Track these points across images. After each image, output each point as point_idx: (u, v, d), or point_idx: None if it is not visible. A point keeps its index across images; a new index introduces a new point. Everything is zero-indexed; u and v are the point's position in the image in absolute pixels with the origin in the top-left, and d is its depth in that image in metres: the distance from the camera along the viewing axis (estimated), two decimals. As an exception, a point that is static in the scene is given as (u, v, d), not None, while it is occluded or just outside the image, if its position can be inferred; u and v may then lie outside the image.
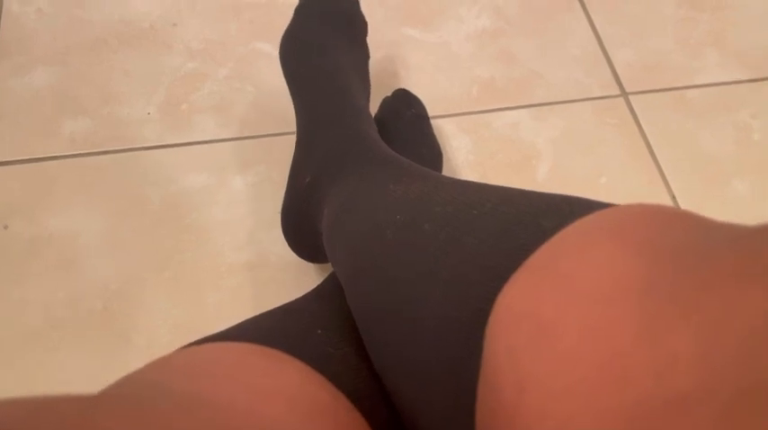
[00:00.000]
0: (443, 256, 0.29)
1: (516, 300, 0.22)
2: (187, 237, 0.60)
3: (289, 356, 0.30)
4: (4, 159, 0.63)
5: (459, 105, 0.70)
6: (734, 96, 0.72)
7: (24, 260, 0.58)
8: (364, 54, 0.60)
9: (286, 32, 0.58)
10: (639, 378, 0.17)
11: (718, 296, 0.17)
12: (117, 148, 0.65)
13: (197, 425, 0.20)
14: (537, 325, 0.21)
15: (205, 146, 0.65)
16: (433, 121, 0.67)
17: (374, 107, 0.64)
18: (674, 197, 0.64)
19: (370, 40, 0.63)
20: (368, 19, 0.64)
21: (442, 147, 0.66)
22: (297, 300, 0.43)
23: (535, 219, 0.27)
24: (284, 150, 0.62)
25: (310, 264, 0.58)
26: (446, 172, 0.65)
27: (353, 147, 0.49)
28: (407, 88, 0.66)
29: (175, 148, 0.65)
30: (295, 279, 0.58)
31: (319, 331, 0.36)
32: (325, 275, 0.58)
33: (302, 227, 0.53)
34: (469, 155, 0.66)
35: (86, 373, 0.53)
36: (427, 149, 0.61)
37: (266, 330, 0.34)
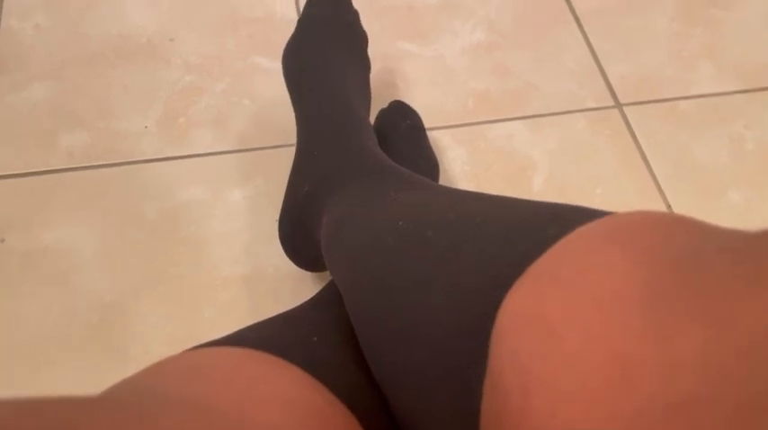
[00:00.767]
0: (446, 263, 0.29)
1: (521, 305, 0.23)
2: (184, 250, 0.60)
3: (285, 362, 0.30)
4: (0, 173, 0.63)
5: (454, 117, 0.70)
6: (727, 107, 0.72)
7: (20, 274, 0.58)
8: (365, 66, 0.61)
9: (289, 43, 0.59)
10: (645, 380, 0.17)
11: (723, 300, 0.17)
12: (114, 162, 0.65)
13: (187, 429, 0.20)
14: (542, 327, 0.21)
15: (202, 159, 0.65)
16: (429, 133, 0.68)
17: (371, 119, 0.64)
18: (669, 207, 0.65)
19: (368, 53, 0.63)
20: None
21: (438, 158, 0.66)
22: (295, 309, 0.43)
23: (537, 226, 0.27)
24: (281, 163, 0.63)
25: (307, 277, 0.58)
26: (442, 183, 0.65)
27: (353, 157, 0.49)
28: (404, 100, 0.66)
29: (172, 162, 0.65)
30: (292, 291, 0.58)
31: (316, 339, 0.36)
32: (322, 281, 0.58)
33: (300, 235, 0.53)
34: (465, 166, 0.67)
35: (83, 387, 0.52)
36: (424, 160, 0.61)
37: (264, 337, 0.34)
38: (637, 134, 0.70)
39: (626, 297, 0.19)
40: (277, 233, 0.57)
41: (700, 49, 0.77)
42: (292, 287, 0.58)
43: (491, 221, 0.30)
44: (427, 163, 0.61)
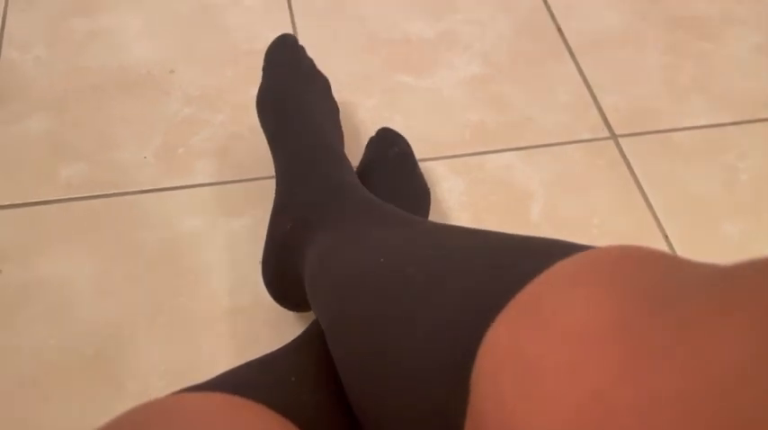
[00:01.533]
0: (426, 300, 0.29)
1: (500, 342, 0.23)
2: (182, 281, 0.59)
3: (260, 406, 0.30)
4: (-2, 204, 0.63)
5: (451, 148, 0.71)
6: (720, 139, 0.73)
7: (16, 305, 0.57)
8: (334, 105, 0.63)
9: (260, 89, 0.61)
10: (622, 418, 0.17)
11: (696, 335, 0.17)
12: (113, 192, 0.65)
13: None
14: (521, 365, 0.21)
15: (201, 189, 0.66)
16: (426, 164, 0.68)
17: (360, 150, 0.65)
18: (666, 237, 0.65)
19: (365, 86, 0.64)
20: (361, 66, 0.66)
21: (435, 188, 0.67)
22: (276, 351, 0.43)
23: (516, 261, 0.27)
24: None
25: (306, 307, 0.58)
26: (439, 213, 0.65)
27: (335, 193, 0.49)
28: (401, 132, 0.67)
29: (171, 192, 0.65)
30: (292, 322, 0.57)
31: (293, 379, 0.36)
32: (309, 324, 0.57)
33: (284, 275, 0.52)
34: (462, 196, 0.67)
35: (78, 421, 0.52)
36: (414, 187, 0.61)
37: (242, 380, 0.35)
38: (632, 165, 0.70)
39: (603, 333, 0.20)
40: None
41: (691, 82, 0.78)
42: (292, 317, 0.58)
43: (471, 257, 0.30)
44: (418, 189, 0.62)
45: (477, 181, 0.68)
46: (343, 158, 0.54)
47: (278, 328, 0.57)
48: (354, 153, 0.65)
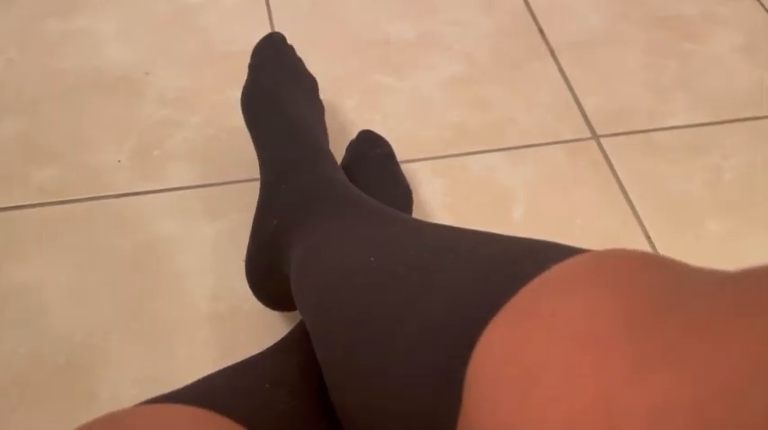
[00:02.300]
0: (418, 300, 0.28)
1: (497, 344, 0.22)
2: (157, 286, 0.58)
3: (222, 418, 0.29)
4: (-33, 209, 0.62)
5: (433, 149, 0.70)
6: (703, 138, 0.73)
7: (-15, 313, 0.56)
8: (319, 104, 0.62)
9: (245, 86, 0.60)
10: (630, 423, 0.16)
11: (706, 339, 0.17)
12: (86, 197, 0.63)
13: None
14: (520, 368, 0.20)
15: (177, 193, 0.64)
16: (407, 165, 0.67)
17: (341, 152, 0.64)
18: (648, 237, 0.65)
19: (345, 87, 0.63)
20: (342, 67, 0.65)
21: (417, 190, 0.66)
22: (254, 356, 0.42)
23: (512, 263, 0.26)
24: (257, 196, 0.62)
25: (284, 313, 0.57)
26: (421, 215, 0.65)
27: (321, 189, 0.48)
28: (382, 133, 0.66)
29: (146, 196, 0.64)
30: (269, 327, 0.56)
31: (268, 385, 0.35)
32: (294, 326, 0.56)
33: (269, 274, 0.51)
34: (445, 197, 0.66)
35: (47, 432, 0.50)
36: (397, 188, 0.61)
37: (211, 389, 0.34)
38: (614, 165, 0.70)
39: (606, 338, 0.19)
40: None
41: (673, 82, 0.78)
42: (269, 322, 0.56)
43: (464, 257, 0.29)
44: (400, 190, 0.61)
45: (459, 182, 0.68)
46: (329, 156, 0.54)
47: (257, 334, 0.56)
48: (335, 154, 0.64)
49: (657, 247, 0.64)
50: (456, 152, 0.70)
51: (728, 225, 0.66)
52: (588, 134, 0.72)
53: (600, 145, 0.72)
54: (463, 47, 0.80)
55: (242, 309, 0.57)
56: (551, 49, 0.80)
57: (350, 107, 0.73)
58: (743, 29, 0.84)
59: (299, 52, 0.65)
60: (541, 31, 0.82)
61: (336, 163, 0.54)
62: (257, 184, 0.66)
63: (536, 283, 0.23)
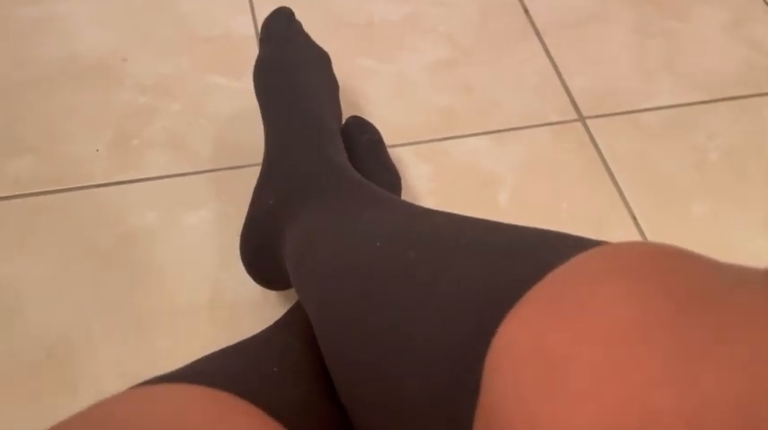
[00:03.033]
0: (432, 285, 0.28)
1: (521, 334, 0.22)
2: (138, 278, 0.57)
3: (238, 400, 0.28)
4: (-59, 203, 0.60)
5: (417, 134, 0.69)
6: (689, 118, 0.73)
7: (-38, 309, 0.54)
8: (333, 82, 0.61)
9: (258, 59, 0.59)
10: (667, 421, 0.16)
11: (744, 339, 0.16)
12: (63, 188, 0.62)
13: None
14: (546, 362, 0.20)
15: (157, 182, 0.63)
16: (392, 150, 0.66)
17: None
18: (635, 218, 0.64)
19: (326, 70, 0.63)
20: (326, 51, 0.64)
21: (403, 175, 0.65)
22: (257, 335, 0.41)
23: (527, 251, 0.26)
24: (239, 185, 0.61)
25: (269, 302, 0.56)
26: (406, 200, 0.64)
27: (322, 170, 0.48)
28: (366, 118, 0.65)
29: (125, 186, 0.63)
30: (252, 317, 0.55)
31: (275, 369, 0.34)
32: (285, 308, 0.55)
33: (262, 250, 0.51)
34: (430, 182, 0.65)
35: (30, 427, 0.49)
36: (387, 174, 0.60)
37: (218, 370, 0.32)
38: (600, 147, 0.69)
39: (639, 334, 0.18)
40: (238, 255, 0.55)
41: (658, 61, 0.77)
42: (252, 313, 0.56)
43: (476, 244, 0.29)
44: (391, 176, 0.61)
45: (444, 167, 0.67)
46: (335, 136, 0.53)
47: (240, 324, 0.55)
48: (316, 141, 0.63)
49: (644, 229, 0.64)
50: (441, 136, 0.69)
51: (715, 206, 0.66)
52: (574, 116, 0.72)
53: (586, 126, 0.71)
54: (447, 28, 0.78)
55: (225, 298, 0.56)
56: (537, 29, 0.79)
57: (333, 91, 0.71)
58: (729, 6, 0.83)
59: (279, 36, 0.64)
60: (526, 11, 0.81)
61: (341, 144, 0.53)
62: (240, 173, 0.65)
63: (557, 275, 0.23)
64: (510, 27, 0.79)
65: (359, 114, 0.68)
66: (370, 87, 0.72)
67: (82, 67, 0.71)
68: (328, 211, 0.43)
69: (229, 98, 0.69)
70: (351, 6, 0.79)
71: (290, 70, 0.56)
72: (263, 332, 0.43)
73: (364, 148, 0.61)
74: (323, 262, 0.38)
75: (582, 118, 0.72)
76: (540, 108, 0.72)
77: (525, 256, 0.25)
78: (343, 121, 0.64)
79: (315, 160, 0.48)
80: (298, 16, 0.63)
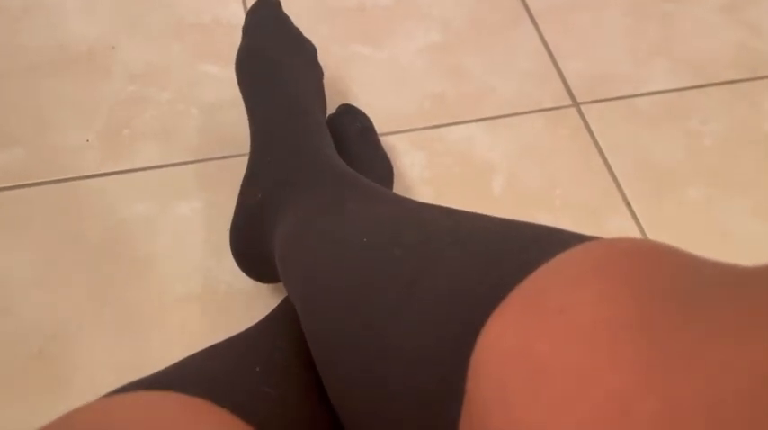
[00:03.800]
0: (416, 283, 0.27)
1: (505, 335, 0.21)
2: (129, 270, 0.57)
3: (212, 406, 0.28)
4: (-71, 195, 0.60)
5: (411, 121, 0.68)
6: (683, 103, 0.72)
7: (-48, 303, 0.54)
8: (318, 71, 0.60)
9: (241, 48, 0.58)
10: (642, 423, 0.16)
11: (724, 341, 0.16)
12: (53, 179, 0.61)
13: None
14: (530, 364, 0.20)
15: (147, 173, 0.62)
16: (385, 138, 0.66)
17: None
18: (629, 205, 0.64)
19: (320, 57, 0.61)
20: (314, 37, 0.63)
21: (396, 163, 0.65)
22: (241, 334, 0.41)
23: (515, 248, 0.26)
24: (231, 175, 0.60)
25: (262, 293, 0.56)
26: (400, 188, 0.63)
27: (309, 163, 0.47)
28: (358, 106, 0.64)
29: (116, 176, 0.62)
30: (246, 308, 0.55)
31: (258, 369, 0.34)
32: (277, 300, 0.55)
33: (252, 244, 0.51)
34: (424, 170, 0.65)
35: (22, 424, 0.49)
36: (379, 162, 0.60)
37: (197, 374, 0.32)
38: (595, 133, 0.69)
39: (619, 333, 0.18)
40: (228, 246, 0.54)
41: (654, 45, 0.77)
42: (246, 304, 0.55)
43: (464, 241, 0.28)
44: (382, 164, 0.60)
45: (438, 154, 0.66)
46: (321, 127, 0.52)
47: (233, 316, 0.55)
48: (308, 129, 0.62)
49: (638, 215, 0.63)
50: (434, 124, 0.68)
51: (709, 191, 0.65)
52: (569, 101, 0.71)
53: (580, 112, 0.70)
54: (441, 12, 0.78)
55: (218, 289, 0.56)
56: (531, 13, 0.78)
57: (324, 79, 0.71)
58: (725, -11, 0.82)
59: (269, 23, 0.63)
60: (520, -5, 0.80)
61: (328, 134, 0.52)
62: (231, 162, 0.64)
63: (542, 273, 0.22)
64: (504, 12, 0.78)
65: (350, 102, 0.68)
66: (363, 74, 0.72)
67: (70, 55, 0.70)
68: (314, 206, 0.42)
69: (220, 87, 0.69)
70: (342, -9, 0.78)
71: (273, 60, 0.55)
72: (251, 328, 0.42)
73: (355, 137, 0.60)
74: (309, 256, 0.37)
75: (576, 103, 0.71)
76: (535, 94, 0.71)
77: (513, 255, 0.25)
78: (334, 110, 0.63)
79: (301, 153, 0.48)
80: (286, 3, 0.62)
